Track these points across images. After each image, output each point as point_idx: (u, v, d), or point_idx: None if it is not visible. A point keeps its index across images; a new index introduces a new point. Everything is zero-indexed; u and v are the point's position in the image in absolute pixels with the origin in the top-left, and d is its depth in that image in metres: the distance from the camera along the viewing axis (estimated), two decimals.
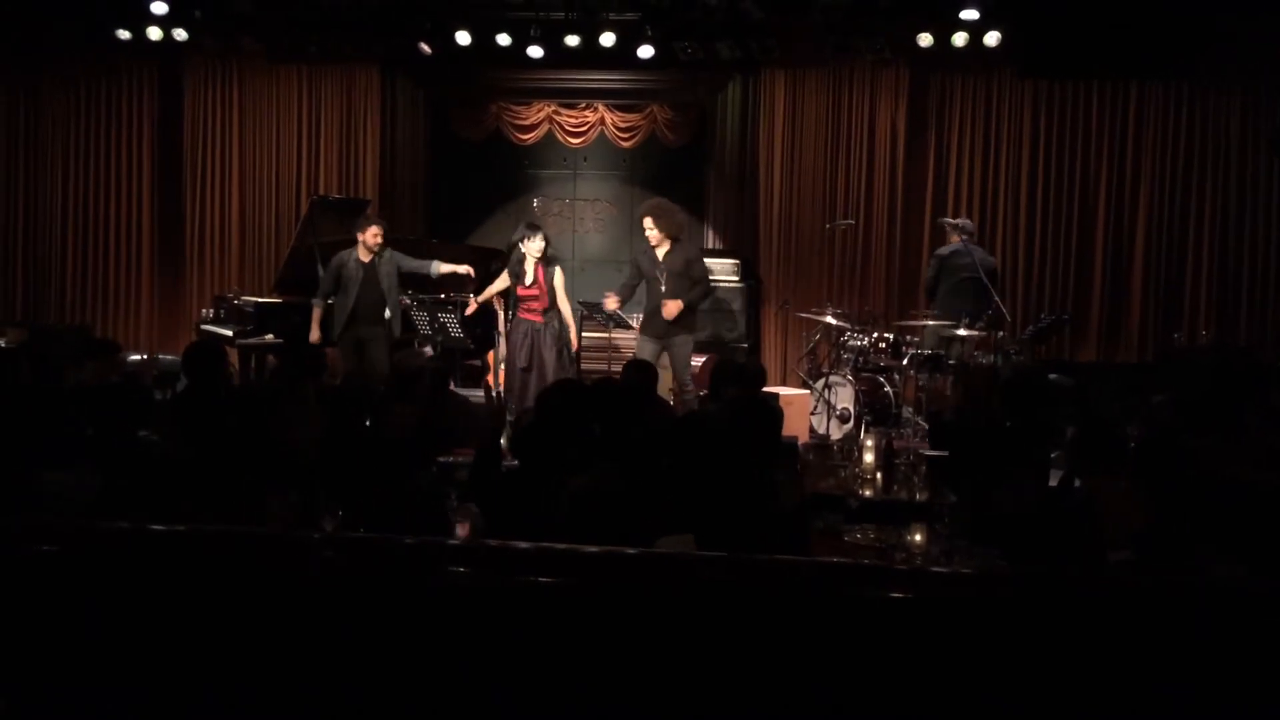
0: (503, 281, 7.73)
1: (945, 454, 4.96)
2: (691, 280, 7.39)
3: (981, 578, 2.45)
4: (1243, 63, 9.04)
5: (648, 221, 7.40)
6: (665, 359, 7.39)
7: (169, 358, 8.77)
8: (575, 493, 3.49)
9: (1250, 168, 9.21)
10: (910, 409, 8.04)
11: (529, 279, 7.41)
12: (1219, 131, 9.23)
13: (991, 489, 3.94)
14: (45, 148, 10.18)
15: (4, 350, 7.63)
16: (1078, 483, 3.97)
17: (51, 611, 2.31)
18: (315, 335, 7.68)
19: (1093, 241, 9.43)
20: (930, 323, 8.27)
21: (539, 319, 7.43)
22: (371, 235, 7.62)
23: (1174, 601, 2.09)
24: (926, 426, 7.28)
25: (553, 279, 7.45)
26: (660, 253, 7.40)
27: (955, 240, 8.39)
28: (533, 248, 7.38)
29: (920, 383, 7.99)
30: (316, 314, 7.71)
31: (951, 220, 8.69)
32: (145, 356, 8.51)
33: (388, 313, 7.78)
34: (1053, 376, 7.51)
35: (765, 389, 6.28)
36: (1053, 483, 4.51)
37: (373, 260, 7.67)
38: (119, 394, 4.11)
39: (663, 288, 7.32)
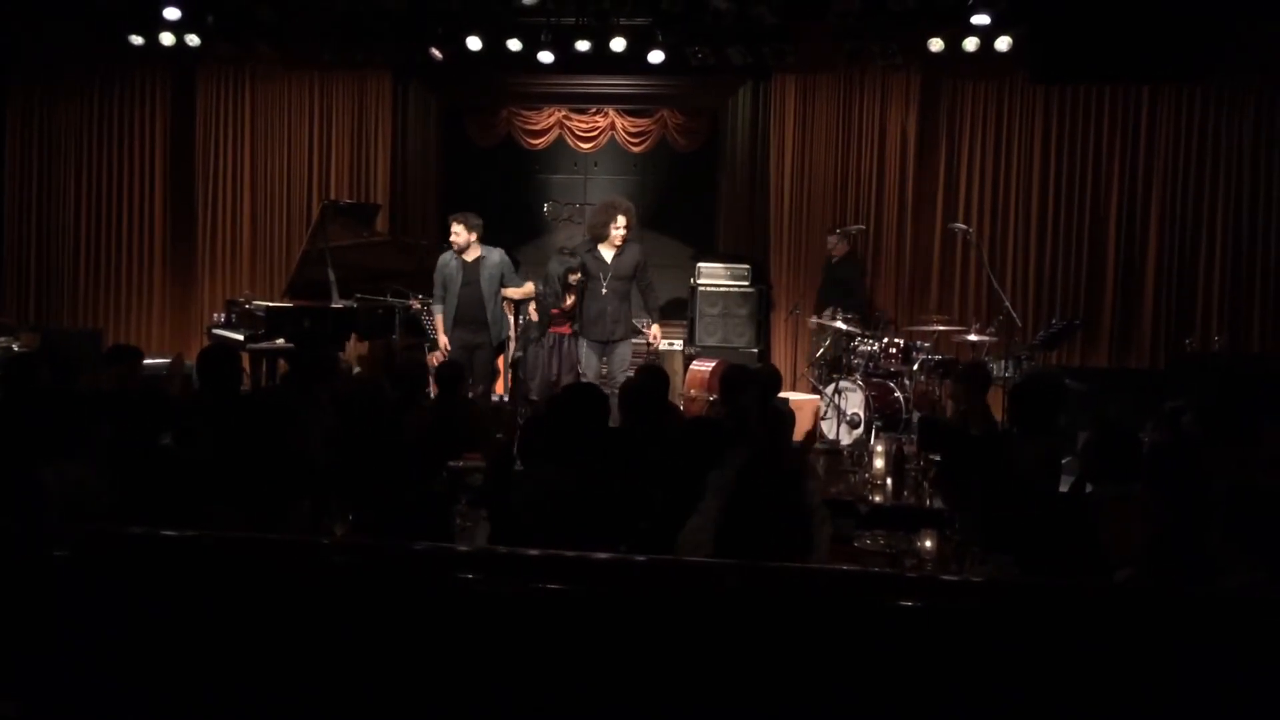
0: (522, 292, 7.73)
1: (937, 458, 4.94)
2: (639, 286, 7.41)
3: (992, 586, 2.44)
4: (1256, 66, 9.00)
5: (623, 220, 7.28)
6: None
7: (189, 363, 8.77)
8: (521, 496, 3.53)
9: (1263, 172, 9.16)
10: (918, 413, 8.03)
11: (567, 301, 7.41)
12: (1232, 135, 9.19)
13: (989, 493, 3.92)
14: (58, 152, 10.22)
15: (21, 355, 7.66)
16: (1089, 488, 3.96)
17: (64, 615, 2.32)
18: (442, 342, 7.49)
19: (1104, 246, 9.40)
20: (940, 327, 8.27)
21: (563, 330, 7.46)
22: (455, 231, 7.45)
23: (1185, 611, 2.09)
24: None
25: (581, 293, 7.46)
26: (608, 255, 7.34)
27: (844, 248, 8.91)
28: (574, 278, 7.36)
29: (929, 388, 7.99)
30: (437, 321, 7.55)
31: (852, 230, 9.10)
32: (175, 358, 8.47)
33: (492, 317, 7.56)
34: (1066, 381, 7.50)
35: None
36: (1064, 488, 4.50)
37: (476, 260, 7.49)
38: (137, 400, 4.12)
39: (604, 290, 7.29)
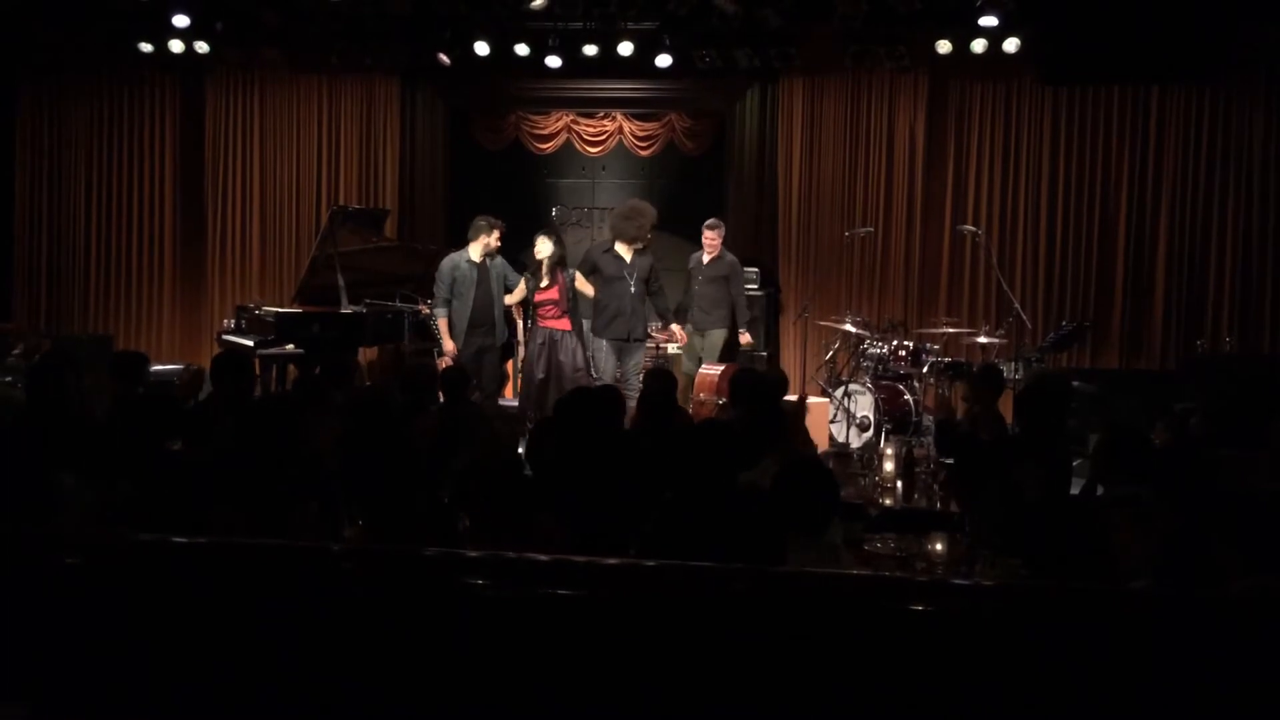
0: (517, 295, 7.74)
1: (951, 461, 4.94)
2: (651, 289, 7.47)
3: (1003, 590, 2.43)
4: (1266, 68, 8.97)
5: (647, 225, 7.36)
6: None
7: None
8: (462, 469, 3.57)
9: (1274, 173, 9.12)
10: (930, 417, 8.01)
11: (545, 282, 7.44)
12: (1242, 137, 9.16)
13: (1003, 496, 3.91)
14: (68, 159, 10.25)
15: (45, 362, 7.67)
16: (1100, 490, 3.95)
17: (75, 621, 2.33)
18: (449, 347, 7.49)
19: (1114, 248, 9.37)
20: (950, 329, 8.26)
21: (557, 325, 7.43)
22: (497, 238, 7.58)
23: (1196, 615, 2.08)
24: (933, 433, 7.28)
25: (571, 282, 7.47)
26: (627, 255, 7.40)
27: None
28: (537, 250, 7.41)
29: (940, 390, 7.98)
30: (443, 325, 7.55)
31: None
32: (187, 366, 8.49)
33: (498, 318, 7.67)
34: (1076, 384, 7.49)
35: (785, 397, 6.25)
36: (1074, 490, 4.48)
37: (484, 262, 7.59)
38: (147, 406, 4.14)
39: (632, 289, 7.34)
